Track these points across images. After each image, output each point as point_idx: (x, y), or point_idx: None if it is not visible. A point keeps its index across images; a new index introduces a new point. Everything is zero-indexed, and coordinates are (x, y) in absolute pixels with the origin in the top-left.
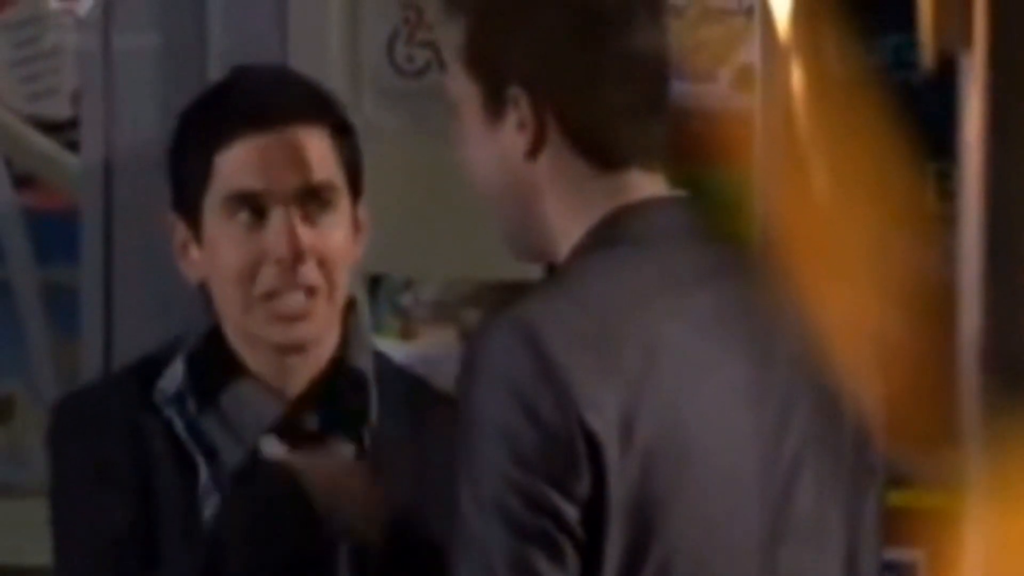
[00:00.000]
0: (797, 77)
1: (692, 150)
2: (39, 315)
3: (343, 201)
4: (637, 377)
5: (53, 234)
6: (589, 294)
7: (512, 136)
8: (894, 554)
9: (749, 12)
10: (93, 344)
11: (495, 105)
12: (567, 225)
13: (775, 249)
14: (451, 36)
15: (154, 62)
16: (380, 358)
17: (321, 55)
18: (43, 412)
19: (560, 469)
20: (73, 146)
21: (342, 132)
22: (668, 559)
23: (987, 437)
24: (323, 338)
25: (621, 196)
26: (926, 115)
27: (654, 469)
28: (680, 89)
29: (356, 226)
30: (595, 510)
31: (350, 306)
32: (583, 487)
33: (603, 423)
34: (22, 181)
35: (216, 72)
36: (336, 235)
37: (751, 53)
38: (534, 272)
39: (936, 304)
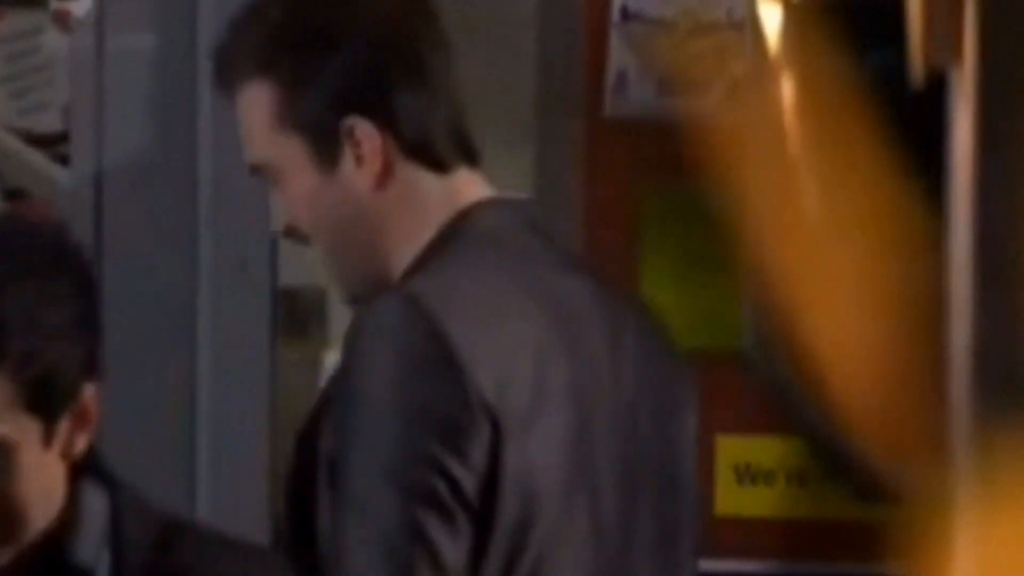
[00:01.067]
0: (787, 91)
1: (682, 164)
2: None
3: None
4: (512, 356)
5: None
6: (462, 277)
7: (352, 174)
8: (883, 569)
9: (739, 26)
10: None
11: (328, 149)
12: (414, 243)
13: (764, 264)
14: (253, 102)
15: (145, 73)
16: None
17: None
18: None
19: (457, 435)
20: (64, 160)
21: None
22: (547, 542)
23: (977, 451)
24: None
25: (461, 196)
26: (916, 130)
27: (530, 447)
28: (671, 103)
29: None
30: (490, 481)
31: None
32: (479, 456)
33: (495, 395)
34: (12, 195)
35: (207, 84)
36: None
37: (742, 67)
38: None
39: (926, 318)
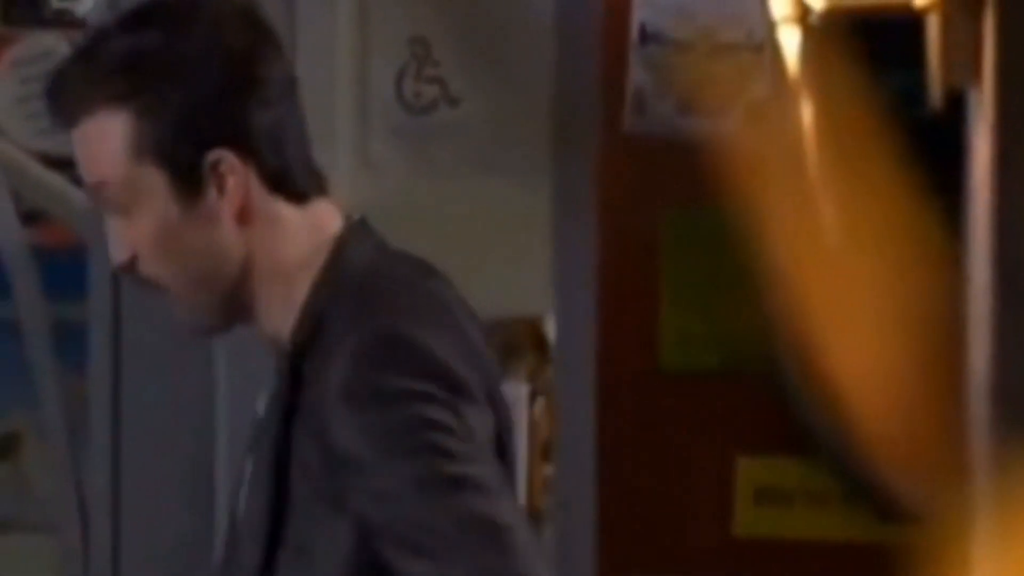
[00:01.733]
0: (807, 113)
1: (702, 184)
2: (47, 351)
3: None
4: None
5: (61, 270)
6: (414, 306)
7: (214, 208)
8: None
9: (759, 48)
10: (100, 380)
11: (190, 182)
12: (282, 278)
13: (783, 286)
14: (104, 130)
15: None
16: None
17: (330, 92)
18: (50, 448)
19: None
20: (81, 182)
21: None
22: None
23: (996, 472)
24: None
25: (324, 227)
26: (935, 151)
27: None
28: (690, 124)
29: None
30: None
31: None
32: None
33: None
34: (30, 217)
35: None
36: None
37: (761, 89)
38: (538, 309)
39: (945, 340)
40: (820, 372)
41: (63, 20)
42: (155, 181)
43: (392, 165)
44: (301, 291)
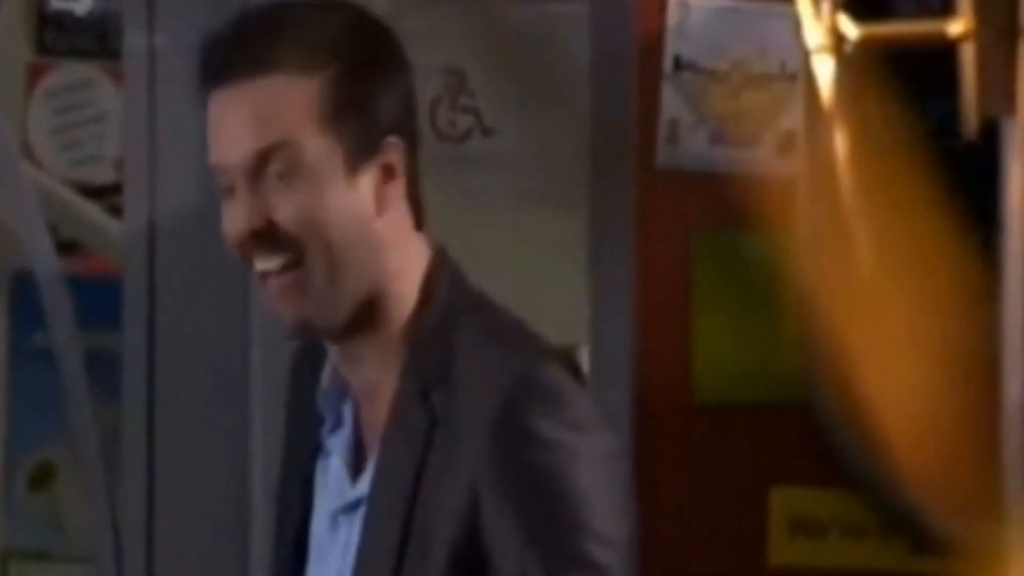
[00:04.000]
0: (841, 143)
1: (736, 215)
2: (81, 381)
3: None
4: None
5: (96, 300)
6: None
7: (366, 193)
8: None
9: (792, 78)
10: (135, 410)
11: (358, 160)
12: (403, 280)
13: (818, 317)
14: (301, 97)
15: (198, 125)
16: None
17: None
18: (84, 478)
19: None
20: (116, 212)
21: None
22: None
23: None
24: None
25: (423, 252)
26: (970, 182)
27: None
28: (724, 155)
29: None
30: None
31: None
32: None
33: None
34: (66, 247)
35: None
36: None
37: (795, 119)
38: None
39: (979, 372)
40: (854, 402)
41: (63, 21)
42: (330, 151)
43: (426, 195)
44: (408, 289)
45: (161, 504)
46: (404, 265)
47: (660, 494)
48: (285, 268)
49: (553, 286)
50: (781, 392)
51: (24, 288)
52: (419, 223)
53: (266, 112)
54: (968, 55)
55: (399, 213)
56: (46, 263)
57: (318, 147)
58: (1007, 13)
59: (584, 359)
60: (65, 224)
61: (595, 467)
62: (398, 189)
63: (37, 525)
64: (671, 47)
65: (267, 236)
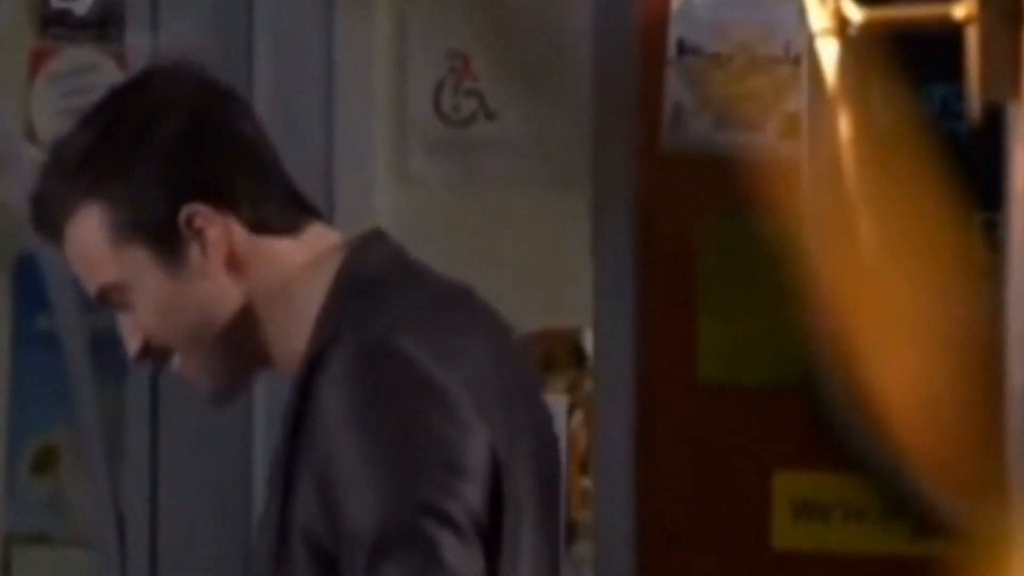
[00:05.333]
0: (844, 127)
1: (740, 199)
2: (85, 364)
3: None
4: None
5: None
6: (417, 321)
7: (202, 267)
8: None
9: (796, 61)
10: (138, 393)
11: (171, 248)
12: (289, 300)
13: (823, 298)
14: (84, 228)
15: None
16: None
17: (367, 105)
18: (87, 461)
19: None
20: None
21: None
22: None
23: None
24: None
25: (325, 243)
26: (973, 165)
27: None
28: (728, 138)
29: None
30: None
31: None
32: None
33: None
34: None
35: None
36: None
37: (798, 102)
38: (576, 322)
39: (982, 355)
40: (858, 385)
41: (63, 21)
42: (141, 259)
43: (430, 179)
44: (312, 310)
45: (164, 488)
46: (284, 286)
47: (663, 477)
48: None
49: (556, 268)
50: (785, 376)
51: (27, 271)
52: (290, 231)
53: (80, 263)
54: (972, 39)
55: (244, 257)
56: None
57: (130, 267)
58: None
59: (588, 342)
60: None
61: (428, 437)
62: (222, 245)
63: (40, 509)
64: (675, 31)
65: (149, 352)
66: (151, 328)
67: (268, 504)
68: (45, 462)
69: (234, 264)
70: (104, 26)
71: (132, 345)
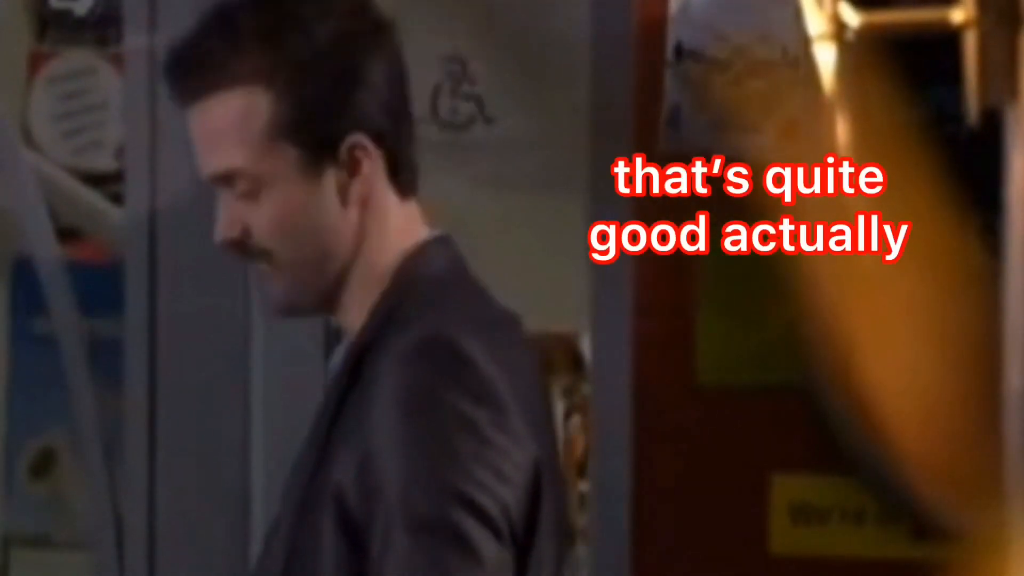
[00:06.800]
0: (842, 130)
1: (738, 203)
2: (83, 367)
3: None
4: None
5: (97, 286)
6: (478, 330)
7: (329, 192)
8: None
9: (794, 64)
10: (136, 396)
11: (321, 163)
12: (372, 268)
13: (820, 302)
14: (239, 108)
15: None
16: None
17: None
18: (85, 464)
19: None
20: (118, 199)
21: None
22: None
23: None
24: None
25: (416, 228)
26: (971, 169)
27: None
28: (725, 140)
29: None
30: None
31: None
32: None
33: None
34: (66, 234)
35: None
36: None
37: (796, 106)
38: (573, 325)
39: (980, 357)
40: (856, 388)
41: (63, 21)
42: (290, 162)
43: (427, 182)
44: (378, 290)
45: (162, 490)
46: (382, 244)
47: (659, 480)
48: (260, 260)
49: (553, 271)
50: (782, 377)
51: (25, 274)
52: (405, 194)
53: (220, 136)
54: (971, 42)
55: (374, 200)
56: (47, 249)
57: (274, 163)
58: (1009, 1)
59: (585, 345)
60: (66, 211)
61: (478, 436)
62: (368, 181)
63: (38, 511)
64: (673, 34)
65: (242, 244)
66: (264, 230)
67: (299, 468)
68: (43, 464)
69: (366, 202)
70: (104, 27)
71: (227, 232)
